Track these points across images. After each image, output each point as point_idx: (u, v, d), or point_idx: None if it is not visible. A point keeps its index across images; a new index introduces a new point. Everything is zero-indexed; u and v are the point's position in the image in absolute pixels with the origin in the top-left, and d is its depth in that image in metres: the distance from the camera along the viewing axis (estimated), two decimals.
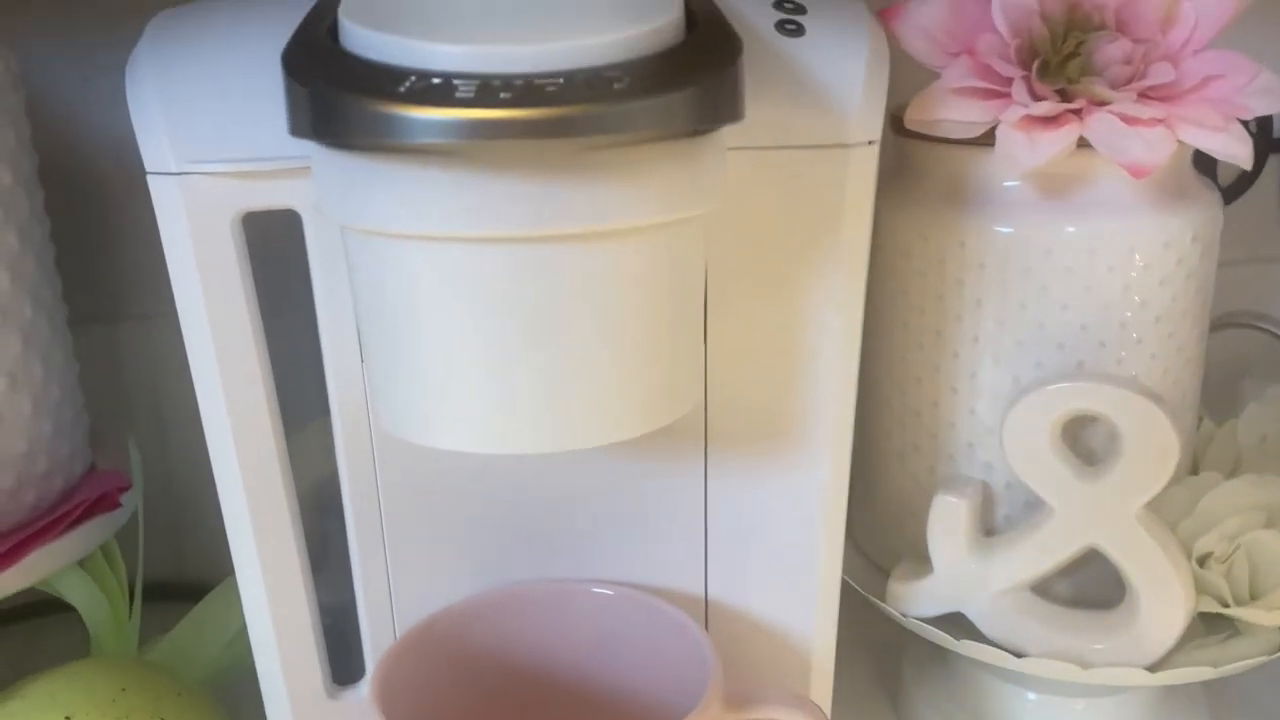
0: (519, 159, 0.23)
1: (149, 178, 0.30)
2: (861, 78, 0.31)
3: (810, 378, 0.34)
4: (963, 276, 0.39)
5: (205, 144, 0.29)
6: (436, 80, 0.22)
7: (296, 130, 0.24)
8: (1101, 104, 0.35)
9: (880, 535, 0.44)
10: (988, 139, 0.36)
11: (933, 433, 0.41)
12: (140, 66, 0.30)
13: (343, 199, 0.25)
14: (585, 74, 0.23)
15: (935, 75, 0.38)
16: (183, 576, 0.53)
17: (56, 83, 0.49)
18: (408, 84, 0.22)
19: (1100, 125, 0.35)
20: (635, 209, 0.25)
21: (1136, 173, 0.34)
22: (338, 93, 0.23)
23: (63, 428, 0.40)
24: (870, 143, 0.32)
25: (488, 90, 0.22)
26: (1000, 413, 0.38)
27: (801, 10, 0.33)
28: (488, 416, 0.26)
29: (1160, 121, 0.35)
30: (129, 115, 0.30)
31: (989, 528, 0.40)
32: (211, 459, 0.33)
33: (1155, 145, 0.34)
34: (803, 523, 0.35)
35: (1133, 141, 0.34)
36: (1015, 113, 0.35)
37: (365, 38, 0.24)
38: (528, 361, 0.25)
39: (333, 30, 0.26)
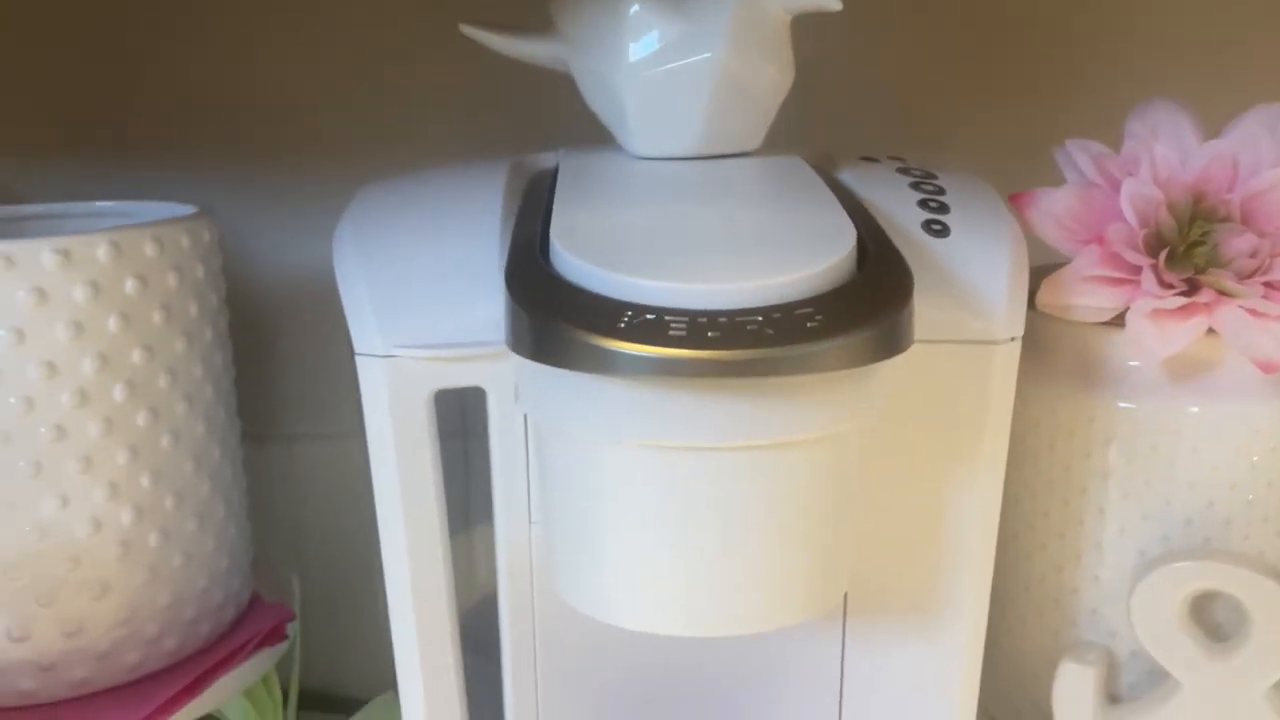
0: (718, 385, 0.26)
1: (357, 358, 0.33)
2: (1006, 278, 0.34)
3: (949, 555, 0.35)
4: (1090, 450, 0.40)
5: (411, 330, 0.32)
6: (650, 316, 0.25)
7: (518, 348, 0.27)
8: (1228, 296, 0.37)
9: (1004, 697, 0.45)
10: (1117, 321, 0.38)
11: (1056, 598, 0.42)
12: (347, 252, 0.34)
13: (550, 403, 0.28)
14: (781, 311, 0.25)
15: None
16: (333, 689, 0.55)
17: (244, 214, 0.53)
18: (625, 320, 0.25)
19: (1228, 319, 0.37)
20: (817, 423, 0.27)
21: (1266, 368, 0.36)
22: (562, 325, 0.25)
23: (236, 562, 0.43)
24: (1013, 339, 0.34)
25: (696, 329, 0.25)
26: (1124, 582, 0.39)
27: (945, 210, 0.36)
28: (673, 602, 0.28)
29: None
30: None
31: (1114, 693, 0.41)
32: (390, 606, 0.35)
33: None
34: (938, 691, 0.37)
35: (1261, 337, 0.36)
36: (1146, 304, 0.37)
37: (580, 269, 0.27)
38: (714, 555, 0.28)
39: (543, 244, 0.29)
